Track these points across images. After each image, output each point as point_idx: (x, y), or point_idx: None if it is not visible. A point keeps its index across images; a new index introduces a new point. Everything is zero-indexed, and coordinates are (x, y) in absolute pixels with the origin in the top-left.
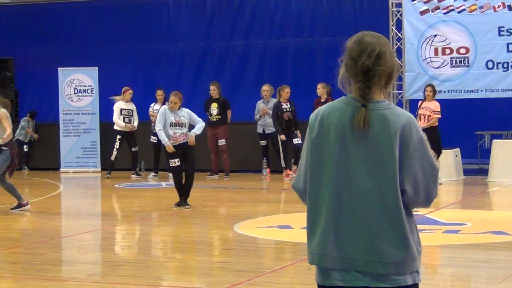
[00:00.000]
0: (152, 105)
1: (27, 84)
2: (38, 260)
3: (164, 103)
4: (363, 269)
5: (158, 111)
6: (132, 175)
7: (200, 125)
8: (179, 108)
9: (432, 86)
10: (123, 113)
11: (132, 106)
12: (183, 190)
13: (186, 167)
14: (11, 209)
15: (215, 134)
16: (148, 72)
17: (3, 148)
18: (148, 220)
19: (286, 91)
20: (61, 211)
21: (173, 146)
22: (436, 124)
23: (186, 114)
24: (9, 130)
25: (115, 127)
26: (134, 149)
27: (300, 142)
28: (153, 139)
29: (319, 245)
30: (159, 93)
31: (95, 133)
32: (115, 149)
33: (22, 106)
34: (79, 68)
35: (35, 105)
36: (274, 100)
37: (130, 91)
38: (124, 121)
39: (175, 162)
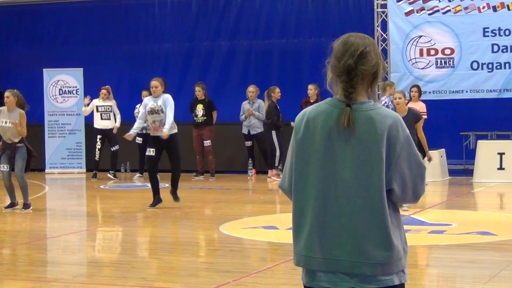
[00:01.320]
0: (138, 106)
1: (11, 85)
2: (23, 261)
3: None
4: (350, 270)
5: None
6: (109, 175)
7: (168, 120)
8: (160, 95)
9: (418, 86)
10: (99, 110)
11: (110, 102)
12: (171, 182)
13: (169, 158)
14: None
15: (201, 135)
16: (133, 73)
17: (18, 145)
18: (133, 221)
19: (277, 91)
20: (47, 212)
21: (153, 136)
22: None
23: (162, 101)
24: (25, 130)
25: (95, 126)
26: (113, 148)
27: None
28: (138, 140)
29: (305, 247)
30: (145, 94)
31: (80, 134)
32: (97, 149)
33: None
34: (64, 69)
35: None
36: (259, 101)
37: (102, 90)
38: (101, 118)
39: (149, 152)
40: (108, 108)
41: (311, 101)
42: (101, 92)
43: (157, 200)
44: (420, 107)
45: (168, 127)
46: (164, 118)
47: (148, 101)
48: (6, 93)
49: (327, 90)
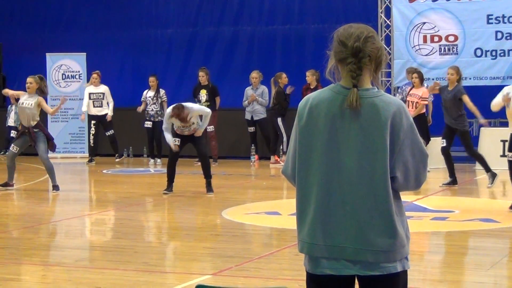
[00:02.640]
0: (145, 92)
1: (14, 69)
2: (25, 245)
3: (157, 90)
4: (353, 257)
5: (151, 98)
6: (116, 159)
7: (202, 126)
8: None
9: (419, 72)
10: (91, 97)
11: (102, 89)
12: (203, 173)
13: (196, 148)
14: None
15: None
16: (136, 58)
17: (35, 130)
18: (136, 206)
19: (284, 77)
20: (49, 197)
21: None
22: (424, 111)
23: (194, 117)
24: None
25: (88, 112)
26: (108, 133)
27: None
28: (147, 124)
29: (309, 234)
30: (151, 80)
31: None
32: (91, 134)
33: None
34: (67, 53)
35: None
36: (263, 87)
37: (94, 75)
38: (94, 106)
39: (175, 141)
40: (100, 96)
41: (311, 87)
42: (92, 77)
43: (169, 189)
44: (423, 93)
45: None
46: (196, 125)
47: (174, 121)
48: (28, 79)
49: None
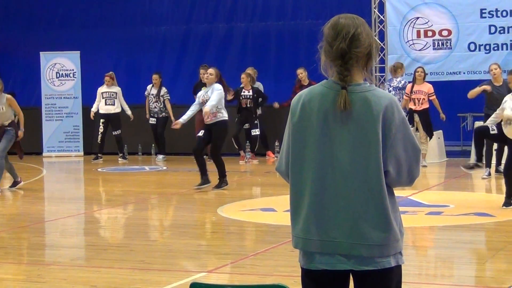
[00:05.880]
0: (148, 87)
1: (8, 68)
2: (21, 244)
3: (160, 87)
4: (347, 252)
5: (154, 95)
6: (119, 159)
7: (209, 103)
8: (212, 84)
9: (423, 68)
10: (104, 96)
11: (115, 89)
12: (218, 172)
13: (211, 143)
14: (10, 187)
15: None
16: (130, 56)
17: (7, 128)
18: (131, 204)
19: (242, 77)
20: (44, 196)
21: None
22: (428, 106)
23: (211, 91)
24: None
25: (99, 111)
26: (115, 133)
27: (257, 133)
28: (152, 120)
29: (303, 229)
30: (155, 77)
31: (77, 117)
32: (99, 132)
33: (4, 90)
34: (61, 52)
35: (17, 89)
36: (257, 83)
37: (106, 78)
38: (106, 104)
39: (200, 133)
40: (113, 95)
41: (305, 84)
42: (105, 80)
43: (204, 180)
44: (428, 89)
45: (209, 106)
46: (214, 108)
47: (201, 93)
48: None
49: (320, 73)
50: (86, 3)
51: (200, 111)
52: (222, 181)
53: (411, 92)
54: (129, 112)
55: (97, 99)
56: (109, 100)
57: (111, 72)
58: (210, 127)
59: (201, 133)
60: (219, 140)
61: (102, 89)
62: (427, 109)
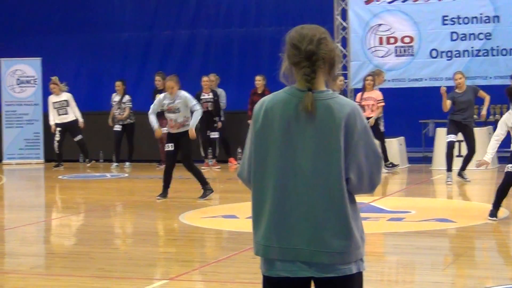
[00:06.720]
0: (113, 95)
1: None
2: None
3: (124, 94)
4: (308, 259)
5: (116, 102)
6: (87, 164)
7: (196, 114)
8: (176, 93)
9: (372, 75)
10: (55, 106)
11: (64, 97)
12: (198, 181)
13: (180, 157)
14: None
15: (162, 125)
16: (92, 63)
17: None
18: (92, 211)
19: (204, 80)
20: (4, 203)
21: (170, 133)
22: (374, 114)
23: (179, 100)
24: None
25: (55, 121)
26: (76, 138)
27: (216, 136)
28: (117, 127)
29: (264, 236)
30: (118, 84)
31: (38, 124)
32: (55, 141)
33: None
34: (21, 58)
35: None
36: (220, 90)
37: (50, 86)
38: (58, 114)
39: (168, 147)
40: (63, 103)
41: (259, 92)
42: (50, 88)
43: (164, 194)
44: (377, 95)
45: (196, 122)
46: (182, 117)
47: (164, 99)
48: None
49: (276, 81)
50: (47, 9)
51: (162, 116)
52: (206, 189)
53: (361, 99)
54: (80, 120)
55: (50, 110)
56: (61, 109)
57: (53, 78)
58: (178, 137)
59: (170, 147)
60: (190, 149)
61: (52, 98)
62: (380, 116)
